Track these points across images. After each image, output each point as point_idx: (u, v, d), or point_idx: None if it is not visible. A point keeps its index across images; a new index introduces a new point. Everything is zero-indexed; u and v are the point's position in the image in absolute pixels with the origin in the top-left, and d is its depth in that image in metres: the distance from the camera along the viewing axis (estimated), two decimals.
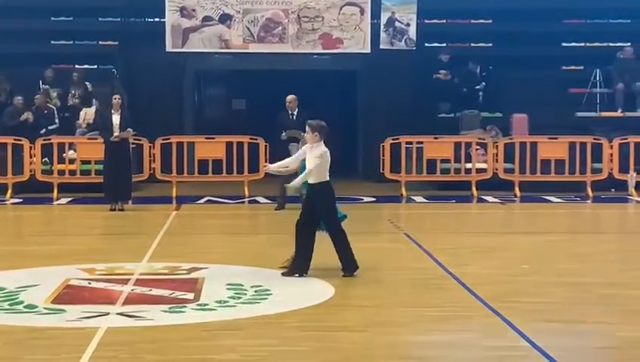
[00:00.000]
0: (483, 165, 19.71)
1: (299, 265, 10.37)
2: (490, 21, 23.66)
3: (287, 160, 11.14)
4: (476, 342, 7.77)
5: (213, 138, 19.76)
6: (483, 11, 23.54)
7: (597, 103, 21.93)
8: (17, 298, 9.25)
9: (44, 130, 19.63)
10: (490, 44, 23.22)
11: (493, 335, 8.00)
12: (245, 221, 16.78)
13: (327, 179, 10.58)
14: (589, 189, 19.23)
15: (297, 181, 10.64)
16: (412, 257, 11.94)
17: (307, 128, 10.65)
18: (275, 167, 11.45)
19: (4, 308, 8.87)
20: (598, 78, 21.86)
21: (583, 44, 23.30)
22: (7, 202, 18.18)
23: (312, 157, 10.48)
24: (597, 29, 23.50)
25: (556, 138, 19.64)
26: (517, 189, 19.24)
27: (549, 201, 18.51)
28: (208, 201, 18.35)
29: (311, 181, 10.51)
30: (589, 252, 12.51)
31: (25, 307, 8.89)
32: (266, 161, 19.27)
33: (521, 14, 23.02)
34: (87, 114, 20.11)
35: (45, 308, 8.84)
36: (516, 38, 22.76)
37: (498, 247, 12.92)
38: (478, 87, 21.70)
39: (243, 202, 18.45)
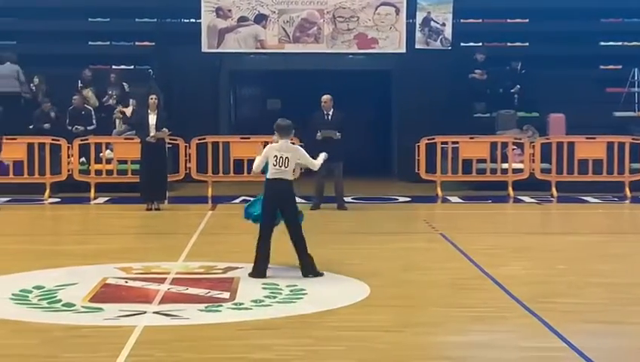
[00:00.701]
0: (519, 165, 19.60)
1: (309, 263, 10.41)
2: (527, 20, 23.54)
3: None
4: (512, 342, 7.73)
5: (249, 138, 19.77)
6: (519, 11, 23.42)
7: (635, 103, 21.77)
8: (55, 296, 9.33)
9: (82, 128, 19.79)
10: (527, 44, 23.10)
11: (530, 335, 7.95)
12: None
13: (268, 177, 10.53)
14: (627, 189, 19.05)
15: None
16: (447, 257, 11.91)
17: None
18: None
19: (43, 306, 8.96)
20: (636, 78, 21.70)
21: (620, 43, 23.11)
22: (45, 201, 18.33)
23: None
24: (635, 28, 23.29)
25: (594, 138, 19.48)
26: (554, 190, 19.11)
27: (586, 202, 18.38)
28: (244, 201, 18.26)
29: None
30: (627, 253, 12.41)
31: (63, 305, 8.96)
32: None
33: (558, 13, 22.88)
34: (124, 111, 20.27)
35: (83, 307, 8.91)
36: (553, 37, 22.64)
37: (534, 248, 12.85)
38: (512, 90, 21.53)
39: None
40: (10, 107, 19.23)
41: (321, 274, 10.36)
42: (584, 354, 7.26)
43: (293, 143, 10.85)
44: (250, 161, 18.94)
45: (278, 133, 10.70)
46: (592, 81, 21.97)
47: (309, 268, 10.35)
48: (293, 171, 10.70)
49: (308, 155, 10.84)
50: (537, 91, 21.49)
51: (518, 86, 21.54)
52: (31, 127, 19.85)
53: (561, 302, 9.21)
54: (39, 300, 9.19)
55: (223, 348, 7.48)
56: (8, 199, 17.93)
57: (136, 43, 23.08)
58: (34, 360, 7.16)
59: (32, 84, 20.98)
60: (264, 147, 10.96)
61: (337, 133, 16.57)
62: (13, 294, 9.41)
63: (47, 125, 19.73)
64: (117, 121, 20.38)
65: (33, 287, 9.70)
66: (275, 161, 10.43)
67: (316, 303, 9.09)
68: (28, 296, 9.34)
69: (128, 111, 20.23)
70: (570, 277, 10.56)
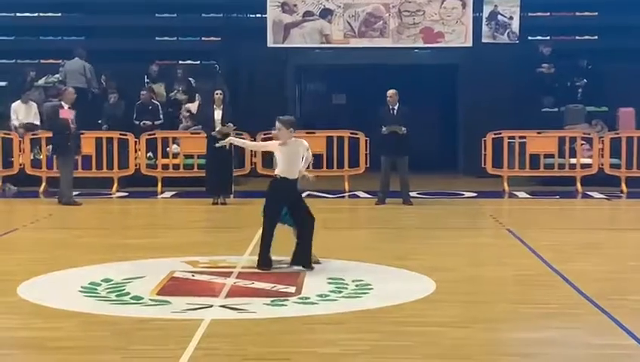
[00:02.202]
0: (588, 160, 19.34)
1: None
2: (596, 13, 23.18)
3: (250, 143, 10.97)
4: (582, 339, 7.63)
5: (314, 133, 19.82)
6: (588, 4, 23.09)
7: None
8: (124, 289, 9.43)
9: (149, 123, 20.02)
10: (596, 37, 22.75)
11: (600, 333, 7.84)
12: (345, 215, 16.80)
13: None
14: None
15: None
16: (515, 253, 11.78)
17: (279, 125, 10.55)
18: (237, 141, 11.73)
19: (112, 299, 9.06)
20: None
21: None
22: (113, 196, 18.56)
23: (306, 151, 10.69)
24: None
25: None
26: (623, 185, 18.82)
27: None
28: (308, 196, 18.35)
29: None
30: None
31: (131, 298, 9.06)
32: (366, 155, 19.32)
33: (628, 6, 22.48)
34: (191, 109, 20.41)
35: (151, 300, 9.00)
36: (622, 30, 22.26)
37: (604, 244, 12.66)
38: (578, 83, 21.21)
39: (343, 197, 18.48)
40: (77, 102, 19.51)
41: (312, 268, 10.36)
42: None
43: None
44: (315, 155, 19.15)
45: (293, 127, 10.59)
46: None
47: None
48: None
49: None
50: (606, 85, 21.17)
51: (585, 80, 21.25)
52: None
53: (631, 299, 9.06)
54: (108, 293, 9.30)
55: (289, 342, 7.49)
56: (77, 193, 18.15)
57: (203, 38, 23.26)
58: (104, 352, 7.24)
59: (101, 79, 21.27)
60: None
61: (403, 128, 16.50)
62: (82, 287, 9.53)
63: (105, 126, 20.00)
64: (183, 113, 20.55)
65: (102, 280, 9.82)
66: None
67: (382, 298, 9.05)
68: (97, 289, 9.46)
69: (194, 106, 20.38)
70: None
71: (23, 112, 20.41)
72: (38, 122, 20.39)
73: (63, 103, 17.18)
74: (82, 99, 20.06)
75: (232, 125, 16.75)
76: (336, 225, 15.03)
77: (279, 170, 10.56)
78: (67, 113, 16.98)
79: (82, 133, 17.77)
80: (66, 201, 16.68)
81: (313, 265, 10.47)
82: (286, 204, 10.54)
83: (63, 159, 17.01)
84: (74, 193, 17.00)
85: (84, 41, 22.39)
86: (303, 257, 10.41)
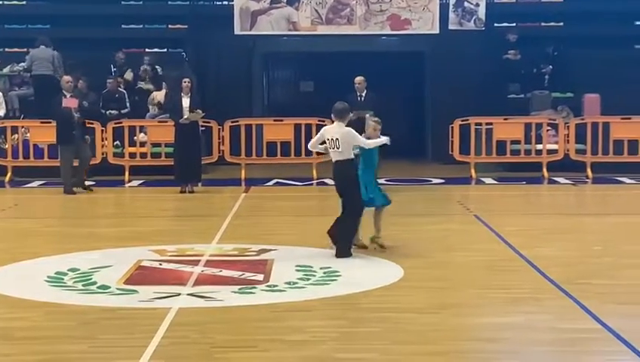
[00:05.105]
0: (554, 146, 19.46)
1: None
2: (561, 0, 23.28)
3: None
4: (547, 324, 7.68)
5: (282, 120, 19.81)
6: None
7: None
8: (91, 278, 9.39)
9: (115, 111, 19.88)
10: (561, 24, 22.86)
11: (565, 317, 7.90)
12: (314, 203, 16.78)
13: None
14: None
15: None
16: (482, 239, 11.85)
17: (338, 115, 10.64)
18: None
19: (78, 288, 9.02)
20: None
21: None
22: None
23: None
24: None
25: (629, 118, 19.29)
26: (589, 170, 18.96)
27: (621, 183, 18.21)
28: (277, 183, 18.43)
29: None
30: None
31: (98, 287, 9.02)
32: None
33: None
34: (157, 97, 20.30)
35: (118, 289, 8.96)
36: (588, 17, 22.37)
37: (570, 229, 12.76)
38: (544, 70, 21.31)
39: (311, 184, 18.49)
40: (44, 89, 19.34)
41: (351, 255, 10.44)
42: (620, 336, 7.20)
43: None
44: (283, 143, 19.26)
45: (332, 115, 10.73)
46: (628, 61, 21.67)
47: (342, 252, 10.35)
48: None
49: (359, 136, 10.70)
50: (572, 71, 21.29)
51: (551, 66, 21.36)
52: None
53: (596, 283, 9.15)
54: (74, 282, 9.25)
55: (257, 330, 7.49)
56: (43, 182, 18.06)
57: (170, 26, 23.09)
58: (71, 341, 7.20)
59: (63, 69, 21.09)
60: None
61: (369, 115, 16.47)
62: (48, 276, 9.48)
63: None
64: (150, 105, 20.43)
65: (68, 270, 9.77)
66: (329, 143, 10.48)
67: (350, 285, 9.08)
68: (63, 279, 9.41)
69: (161, 94, 20.27)
70: (605, 258, 10.48)
71: None
72: (2, 112, 20.18)
73: (64, 92, 16.95)
74: (49, 87, 19.91)
75: (200, 112, 16.69)
76: (305, 212, 15.05)
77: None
78: (70, 102, 16.78)
79: (49, 122, 17.61)
80: (67, 191, 16.53)
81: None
82: (338, 185, 10.64)
83: (65, 148, 16.82)
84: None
85: (49, 29, 22.18)
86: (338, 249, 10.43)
